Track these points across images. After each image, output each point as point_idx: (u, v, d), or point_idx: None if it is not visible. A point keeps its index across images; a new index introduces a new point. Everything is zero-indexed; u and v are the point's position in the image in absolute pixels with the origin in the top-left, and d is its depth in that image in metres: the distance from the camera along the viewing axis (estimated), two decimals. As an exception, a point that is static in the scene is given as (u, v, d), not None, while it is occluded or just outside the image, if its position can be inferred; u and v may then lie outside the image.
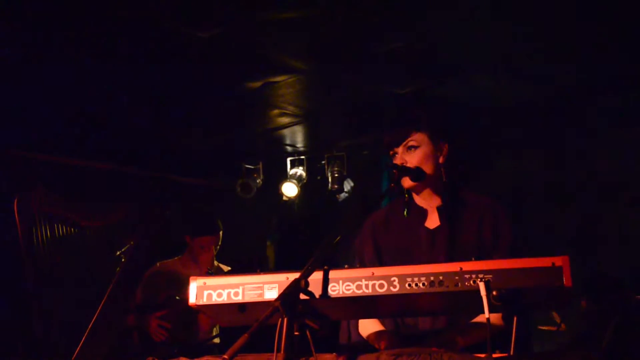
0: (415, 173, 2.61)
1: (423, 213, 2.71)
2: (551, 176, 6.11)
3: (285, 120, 6.02)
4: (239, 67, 4.95)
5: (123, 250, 3.64)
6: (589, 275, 4.98)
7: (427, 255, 2.62)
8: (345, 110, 5.88)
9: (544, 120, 5.94)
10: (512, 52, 4.77)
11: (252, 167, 6.93)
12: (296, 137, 6.51)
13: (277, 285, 2.14)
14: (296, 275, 2.03)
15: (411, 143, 2.66)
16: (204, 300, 2.19)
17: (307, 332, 2.02)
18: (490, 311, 1.98)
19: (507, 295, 1.98)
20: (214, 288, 2.19)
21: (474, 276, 2.02)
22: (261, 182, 6.93)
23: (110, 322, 3.45)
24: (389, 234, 2.73)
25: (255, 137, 6.46)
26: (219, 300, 2.18)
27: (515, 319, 2.03)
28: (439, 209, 2.69)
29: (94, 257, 3.67)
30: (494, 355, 2.02)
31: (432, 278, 2.05)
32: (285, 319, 1.94)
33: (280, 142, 6.62)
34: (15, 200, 3.46)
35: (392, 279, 2.07)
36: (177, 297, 4.53)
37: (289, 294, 1.98)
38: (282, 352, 1.93)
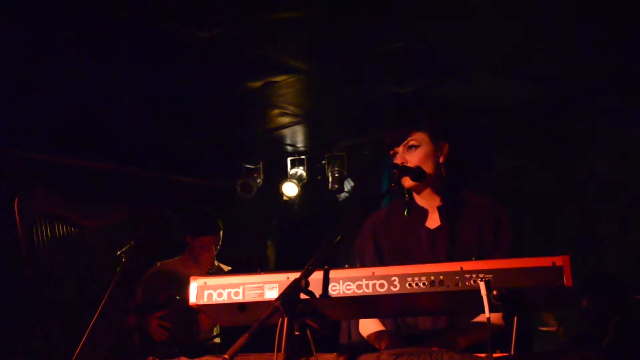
0: (416, 173, 2.61)
1: (423, 213, 2.71)
2: (551, 176, 6.11)
3: (285, 120, 6.02)
4: (239, 67, 4.95)
5: (123, 250, 3.64)
6: (590, 275, 4.98)
7: (427, 255, 2.62)
8: (345, 110, 5.88)
9: (544, 120, 5.94)
10: (512, 52, 4.77)
11: (253, 167, 6.93)
12: (296, 137, 6.51)
13: (277, 285, 2.14)
14: (296, 275, 2.03)
15: (411, 142, 2.65)
16: (205, 300, 2.19)
17: (308, 332, 2.02)
18: (491, 311, 1.97)
19: (507, 294, 1.98)
20: (215, 288, 2.19)
21: (474, 276, 2.02)
22: (261, 182, 6.93)
23: (111, 322, 3.46)
24: (390, 234, 2.73)
25: (255, 137, 6.46)
26: (220, 300, 2.18)
27: (515, 318, 2.02)
28: (439, 208, 2.69)
29: (94, 257, 3.67)
30: (495, 355, 2.02)
31: (432, 278, 2.05)
32: (286, 319, 1.94)
33: (280, 142, 6.62)
34: (16, 200, 3.46)
35: (393, 278, 2.07)
36: (178, 297, 4.53)
37: (290, 293, 1.98)
38: (282, 351, 1.93)
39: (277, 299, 1.96)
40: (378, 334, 2.58)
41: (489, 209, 2.67)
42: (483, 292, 1.99)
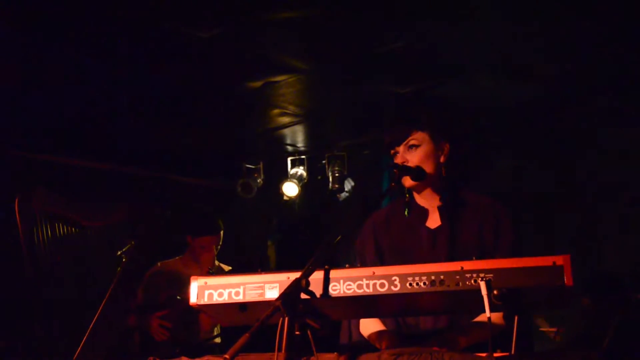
0: (416, 172, 2.61)
1: (424, 213, 2.71)
2: (551, 176, 6.11)
3: (285, 119, 6.02)
4: (239, 67, 4.95)
5: (124, 250, 3.64)
6: (590, 274, 4.98)
7: (428, 255, 2.62)
8: (345, 109, 5.88)
9: (544, 120, 5.95)
10: (512, 52, 4.77)
11: (253, 166, 6.93)
12: (297, 136, 6.51)
13: (278, 284, 2.14)
14: (297, 274, 2.03)
15: (412, 142, 2.65)
16: (205, 300, 2.19)
17: (308, 332, 2.02)
18: (491, 310, 1.98)
19: (508, 294, 1.98)
20: (215, 288, 2.19)
21: (474, 275, 2.02)
22: (262, 182, 6.94)
23: (111, 322, 3.46)
24: (390, 234, 2.73)
25: (255, 137, 6.46)
26: (220, 300, 2.18)
27: (516, 318, 2.03)
28: (440, 208, 2.69)
29: (94, 257, 3.67)
30: (495, 355, 2.02)
31: (433, 277, 2.05)
32: (286, 319, 1.94)
33: (280, 141, 6.62)
34: (17, 200, 3.46)
35: (393, 278, 2.07)
36: (178, 297, 4.53)
37: (290, 293, 1.98)
38: (283, 351, 1.93)
39: (277, 299, 1.96)
40: (379, 333, 2.58)
41: (489, 209, 2.67)
42: (484, 291, 1.99)
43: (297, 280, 2.00)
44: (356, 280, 2.09)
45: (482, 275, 2.02)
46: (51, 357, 3.40)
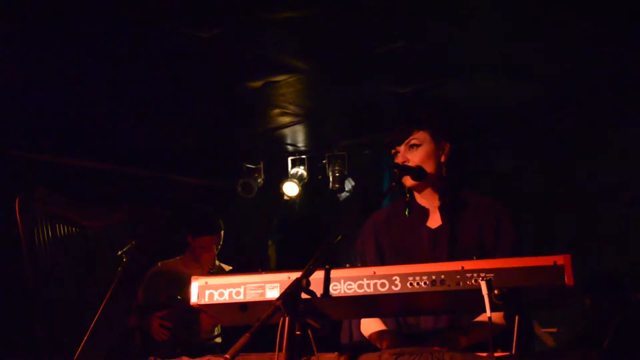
0: (417, 172, 2.61)
1: (425, 213, 2.71)
2: (551, 176, 6.12)
3: (286, 119, 6.02)
4: (239, 67, 4.96)
5: (124, 250, 3.64)
6: (590, 274, 4.98)
7: (429, 255, 2.62)
8: (346, 109, 5.88)
9: (544, 120, 5.95)
10: (512, 52, 4.77)
11: (253, 166, 6.93)
12: (297, 136, 6.51)
13: (278, 284, 2.14)
14: (298, 274, 2.03)
15: (413, 141, 2.66)
16: (206, 300, 2.19)
17: (309, 332, 2.02)
18: (492, 310, 1.98)
19: (508, 294, 1.98)
20: (216, 287, 2.19)
21: (475, 275, 2.02)
22: (262, 182, 6.94)
23: (112, 322, 3.45)
24: (391, 234, 2.73)
25: (256, 137, 6.46)
26: (221, 300, 2.18)
27: (517, 318, 2.03)
28: (440, 208, 2.69)
29: (95, 257, 3.67)
30: (496, 355, 2.02)
31: (433, 277, 2.05)
32: (287, 319, 1.94)
33: (281, 141, 6.62)
34: (17, 200, 3.46)
35: (394, 278, 2.07)
36: (179, 297, 4.53)
37: (291, 293, 1.98)
38: (283, 351, 1.93)
39: (278, 299, 1.96)
40: (379, 333, 2.58)
41: (489, 209, 2.67)
42: (484, 291, 1.99)
43: (297, 280, 2.00)
44: (357, 280, 2.09)
45: (482, 275, 2.02)
46: (52, 357, 3.40)
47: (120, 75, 4.96)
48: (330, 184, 6.70)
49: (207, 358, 2.27)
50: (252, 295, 2.16)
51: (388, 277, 2.08)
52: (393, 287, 2.07)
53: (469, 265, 2.04)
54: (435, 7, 4.19)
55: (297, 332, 1.97)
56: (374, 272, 2.09)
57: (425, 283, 2.05)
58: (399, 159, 2.66)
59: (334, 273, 2.11)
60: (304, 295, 2.02)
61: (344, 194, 6.81)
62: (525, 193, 6.06)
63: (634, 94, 5.38)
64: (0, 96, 5.02)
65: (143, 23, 4.25)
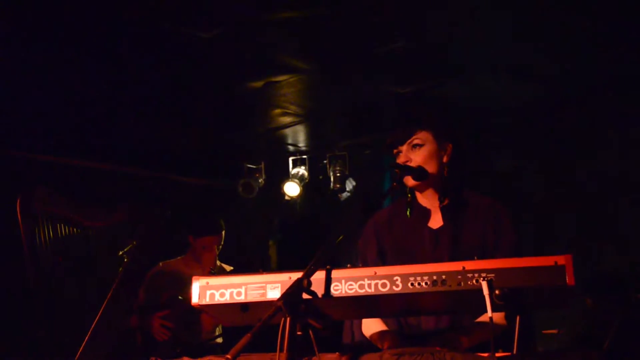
0: (418, 172, 2.61)
1: (426, 213, 2.71)
2: (551, 176, 6.12)
3: (287, 119, 6.03)
4: (240, 67, 4.96)
5: (125, 250, 3.64)
6: (591, 274, 4.98)
7: (430, 255, 2.62)
8: (346, 109, 5.89)
9: (544, 120, 5.95)
10: (512, 52, 4.77)
11: (254, 166, 6.93)
12: (298, 136, 6.52)
13: (279, 284, 2.13)
14: (299, 274, 2.03)
15: (416, 141, 2.65)
16: (207, 300, 2.19)
17: (310, 332, 2.02)
18: (493, 310, 1.98)
19: (509, 294, 1.98)
20: (217, 288, 2.19)
21: (476, 275, 2.02)
22: (263, 182, 6.94)
23: (113, 323, 3.45)
24: (392, 234, 2.73)
25: (257, 137, 6.47)
26: (222, 300, 2.18)
27: (518, 318, 2.03)
28: (442, 208, 2.69)
29: (96, 258, 3.67)
30: (497, 355, 2.02)
31: (434, 277, 2.05)
32: (288, 319, 1.94)
33: (282, 141, 6.63)
34: (18, 200, 3.45)
35: (395, 278, 2.07)
36: (180, 297, 4.53)
37: (292, 293, 1.98)
38: (284, 351, 1.93)
39: (279, 299, 1.96)
40: (380, 334, 2.58)
41: (490, 209, 2.67)
42: (485, 291, 1.99)
43: (298, 280, 2.00)
44: (358, 280, 2.09)
45: (483, 275, 2.02)
46: (53, 357, 3.40)
47: (120, 75, 4.96)
48: (331, 184, 6.71)
49: (208, 358, 2.27)
50: (253, 296, 2.16)
51: (389, 277, 2.07)
52: (394, 288, 2.07)
53: (470, 265, 2.04)
54: (435, 7, 4.19)
55: (298, 333, 1.97)
56: (375, 273, 2.09)
57: (426, 283, 2.05)
58: (401, 159, 2.65)
59: (335, 273, 2.11)
60: (305, 296, 2.02)
61: (344, 194, 6.82)
62: (525, 193, 6.06)
63: (634, 94, 5.38)
64: (0, 96, 5.02)
65: (143, 23, 4.26)
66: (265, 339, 1.98)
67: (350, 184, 6.78)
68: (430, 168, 2.64)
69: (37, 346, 3.41)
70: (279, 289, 2.13)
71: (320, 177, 6.84)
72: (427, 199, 2.72)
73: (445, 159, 2.67)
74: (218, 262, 4.82)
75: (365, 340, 2.64)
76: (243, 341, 1.88)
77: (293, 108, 5.76)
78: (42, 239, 3.46)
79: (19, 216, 3.45)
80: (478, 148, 6.03)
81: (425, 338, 2.47)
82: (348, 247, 2.35)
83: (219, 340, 4.76)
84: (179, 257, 4.84)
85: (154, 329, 4.48)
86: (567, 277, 1.98)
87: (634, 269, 5.19)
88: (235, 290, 2.18)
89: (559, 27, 4.45)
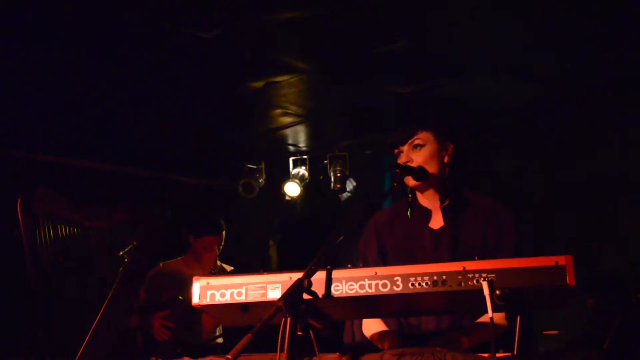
0: (419, 172, 2.60)
1: (427, 213, 2.71)
2: (551, 176, 6.12)
3: (287, 120, 6.03)
4: (240, 67, 4.96)
5: (126, 250, 3.64)
6: (591, 274, 4.98)
7: (431, 255, 2.61)
8: (346, 109, 5.89)
9: (544, 120, 5.95)
10: (512, 52, 4.77)
11: (255, 167, 6.93)
12: (298, 136, 6.52)
13: (280, 285, 2.13)
14: (299, 275, 2.03)
15: (417, 141, 2.65)
16: (207, 300, 2.19)
17: (311, 332, 2.02)
18: (494, 310, 1.98)
19: (510, 294, 1.98)
20: (217, 288, 2.19)
21: (477, 275, 2.02)
22: (264, 182, 6.94)
23: (113, 323, 3.45)
24: (393, 234, 2.73)
25: (257, 137, 6.47)
26: (222, 300, 2.18)
27: (518, 318, 2.03)
28: (442, 209, 2.69)
29: (96, 258, 3.67)
30: (498, 355, 2.02)
31: (435, 277, 2.05)
32: (289, 319, 1.94)
33: (282, 141, 6.63)
34: (19, 200, 3.46)
35: (395, 278, 2.07)
36: (180, 297, 4.53)
37: (292, 293, 1.98)
38: (285, 352, 1.93)
39: (279, 299, 1.96)
40: (381, 334, 2.58)
41: (490, 209, 2.67)
42: (486, 291, 1.99)
43: (299, 281, 2.00)
44: (358, 281, 2.09)
45: (484, 275, 2.02)
46: (53, 357, 3.40)
47: (120, 75, 4.96)
48: (332, 184, 6.71)
49: (209, 359, 2.27)
50: (253, 296, 2.16)
51: (390, 277, 2.07)
52: (395, 288, 2.07)
53: (470, 265, 2.04)
54: (435, 7, 4.19)
55: (299, 333, 1.97)
56: (376, 273, 2.09)
57: (427, 283, 2.05)
58: (402, 159, 2.65)
59: (335, 273, 2.11)
60: (305, 296, 2.01)
61: (345, 194, 6.82)
62: (525, 193, 6.06)
63: (634, 94, 5.38)
64: (0, 96, 5.02)
65: (143, 23, 4.25)
66: (265, 339, 1.98)
67: (350, 184, 6.78)
68: (431, 168, 2.64)
69: (37, 346, 3.42)
70: (280, 289, 2.13)
71: (321, 177, 6.84)
72: (428, 199, 2.72)
73: (446, 159, 2.67)
74: (218, 262, 4.82)
75: (365, 340, 2.64)
76: (244, 341, 1.88)
77: (293, 108, 5.76)
78: (43, 239, 3.47)
79: (19, 216, 3.45)
80: (478, 148, 6.03)
81: (425, 338, 2.47)
82: (348, 247, 2.35)
83: (220, 340, 4.77)
84: (179, 257, 4.84)
85: (154, 329, 4.48)
86: (567, 277, 1.98)
87: (634, 269, 5.19)
88: (235, 291, 2.18)
89: (558, 27, 4.45)
